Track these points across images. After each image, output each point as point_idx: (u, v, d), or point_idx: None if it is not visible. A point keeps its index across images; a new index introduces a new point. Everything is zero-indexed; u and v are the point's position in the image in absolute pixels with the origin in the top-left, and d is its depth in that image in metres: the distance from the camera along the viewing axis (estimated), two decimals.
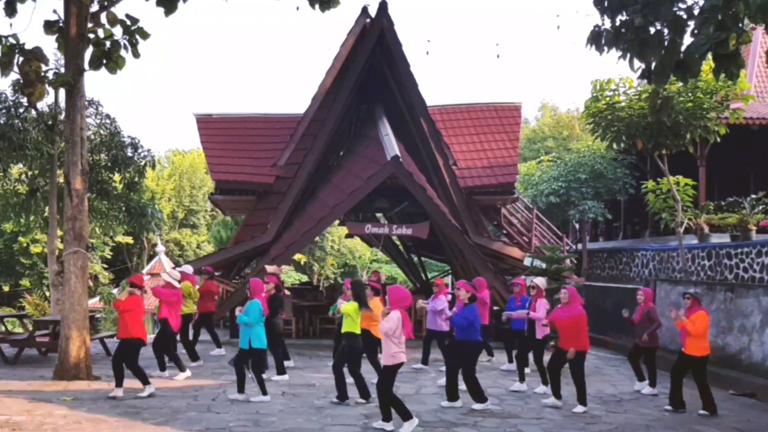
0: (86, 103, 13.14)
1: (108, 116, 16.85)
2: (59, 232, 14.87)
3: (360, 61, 16.77)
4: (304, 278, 42.42)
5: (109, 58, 11.51)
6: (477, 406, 9.37)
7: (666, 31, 7.01)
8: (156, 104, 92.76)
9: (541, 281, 11.32)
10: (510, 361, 12.75)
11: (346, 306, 9.52)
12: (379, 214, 22.63)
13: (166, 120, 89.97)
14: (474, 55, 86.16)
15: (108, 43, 11.52)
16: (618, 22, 7.12)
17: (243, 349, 9.57)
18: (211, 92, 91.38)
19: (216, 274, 15.09)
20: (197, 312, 13.37)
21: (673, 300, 14.60)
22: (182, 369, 11.42)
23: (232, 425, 8.26)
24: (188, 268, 13.60)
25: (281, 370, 11.38)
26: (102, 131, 16.64)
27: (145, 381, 9.84)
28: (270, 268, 13.23)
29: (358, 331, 9.51)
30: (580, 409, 9.41)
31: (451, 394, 9.56)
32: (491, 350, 13.62)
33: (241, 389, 9.63)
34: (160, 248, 33.24)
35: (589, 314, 11.60)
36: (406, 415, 8.01)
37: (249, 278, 11.65)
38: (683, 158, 17.55)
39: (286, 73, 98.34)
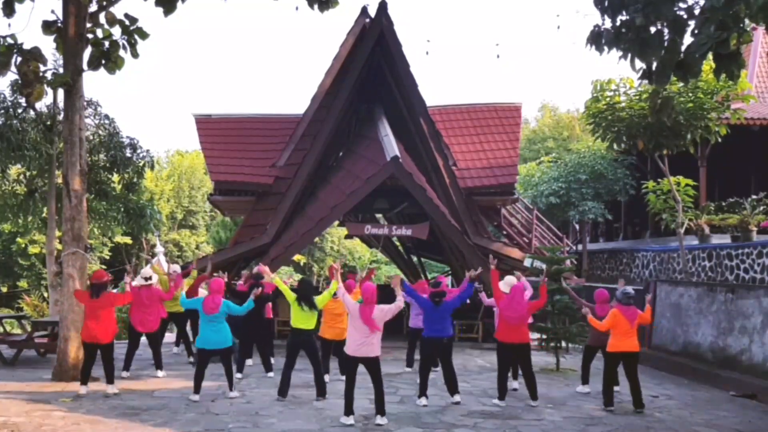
0: (85, 103, 13.11)
1: (107, 117, 16.85)
2: (58, 233, 14.82)
3: (360, 62, 16.73)
4: None
5: (107, 58, 11.49)
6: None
7: (667, 30, 6.98)
8: (155, 104, 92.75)
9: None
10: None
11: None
12: (378, 215, 22.59)
13: (166, 120, 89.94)
14: (474, 56, 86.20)
15: (107, 43, 11.50)
16: (618, 22, 7.09)
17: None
18: (211, 92, 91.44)
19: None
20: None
21: (673, 301, 14.57)
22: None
23: (231, 426, 8.22)
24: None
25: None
26: (101, 132, 16.62)
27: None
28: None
29: (299, 327, 9.89)
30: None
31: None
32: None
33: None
34: (159, 249, 33.06)
35: None
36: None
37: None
38: (684, 159, 17.53)
39: (286, 73, 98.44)
